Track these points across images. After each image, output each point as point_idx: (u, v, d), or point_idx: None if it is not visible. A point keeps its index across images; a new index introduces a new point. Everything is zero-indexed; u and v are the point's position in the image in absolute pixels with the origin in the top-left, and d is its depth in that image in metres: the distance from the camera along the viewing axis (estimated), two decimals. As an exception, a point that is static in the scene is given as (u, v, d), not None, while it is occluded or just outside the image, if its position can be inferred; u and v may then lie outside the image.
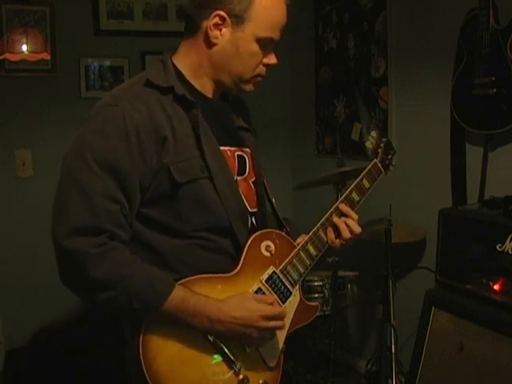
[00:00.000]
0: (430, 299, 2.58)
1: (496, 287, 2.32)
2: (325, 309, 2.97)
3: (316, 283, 2.98)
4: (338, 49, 3.61)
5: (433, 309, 2.55)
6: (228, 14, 1.49)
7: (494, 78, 2.56)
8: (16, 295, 3.34)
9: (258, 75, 1.58)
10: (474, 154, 2.81)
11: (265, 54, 1.55)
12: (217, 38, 1.51)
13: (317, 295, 2.98)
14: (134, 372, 1.43)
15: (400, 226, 2.95)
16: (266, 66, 1.58)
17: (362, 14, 3.40)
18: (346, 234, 1.70)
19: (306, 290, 2.94)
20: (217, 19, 1.49)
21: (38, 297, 3.35)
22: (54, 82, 3.39)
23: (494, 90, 2.56)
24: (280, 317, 1.54)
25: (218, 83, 1.58)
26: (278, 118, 4.04)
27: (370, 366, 3.08)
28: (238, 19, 1.49)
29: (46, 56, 3.35)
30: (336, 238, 1.71)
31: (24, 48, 3.30)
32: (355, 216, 1.73)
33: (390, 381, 2.59)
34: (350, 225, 1.70)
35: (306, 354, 3.21)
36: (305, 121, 3.95)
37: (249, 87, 1.59)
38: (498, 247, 2.31)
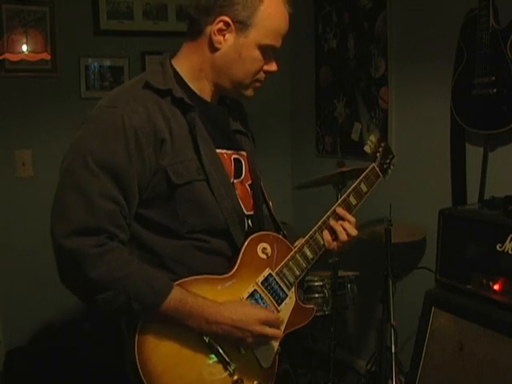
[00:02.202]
0: (430, 299, 2.58)
1: (496, 287, 2.32)
2: (325, 309, 2.97)
3: (316, 283, 2.98)
4: (338, 49, 3.61)
5: (433, 309, 2.55)
6: (232, 20, 1.51)
7: (494, 78, 2.56)
8: (16, 295, 3.34)
9: (257, 80, 1.60)
10: (473, 153, 2.81)
11: (266, 61, 1.58)
12: (220, 43, 1.52)
13: (317, 295, 2.98)
14: (132, 372, 1.43)
15: (400, 226, 2.95)
16: (266, 72, 1.60)
17: (362, 14, 3.40)
18: (343, 237, 1.71)
19: (306, 290, 2.94)
20: (221, 24, 1.51)
21: (38, 297, 3.35)
22: (54, 82, 3.39)
23: (494, 90, 2.56)
24: (276, 324, 1.55)
25: (217, 87, 1.60)
26: (278, 118, 4.04)
27: (370, 365, 3.08)
28: (242, 25, 1.51)
29: (46, 56, 3.35)
30: (333, 240, 1.72)
31: (24, 48, 3.30)
32: (352, 219, 1.74)
33: (389, 381, 2.59)
34: (346, 228, 1.72)
35: (306, 354, 3.21)
36: (305, 121, 3.96)
37: (248, 92, 1.62)
38: (498, 247, 2.31)
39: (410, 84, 3.17)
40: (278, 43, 1.57)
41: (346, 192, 1.80)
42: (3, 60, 3.24)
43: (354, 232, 1.72)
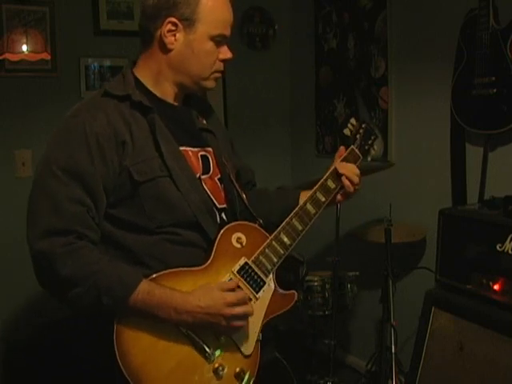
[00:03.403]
0: (430, 299, 2.58)
1: (496, 287, 2.32)
2: (325, 309, 2.97)
3: (316, 283, 2.98)
4: (338, 49, 3.61)
5: (433, 309, 2.55)
6: (179, 19, 1.58)
7: (494, 78, 2.56)
8: (16, 295, 3.34)
9: (216, 71, 1.67)
10: (473, 153, 2.81)
11: (219, 51, 1.64)
12: (172, 43, 1.61)
13: (317, 295, 2.98)
14: (111, 364, 1.47)
15: (400, 226, 2.95)
16: (223, 61, 1.66)
17: (362, 14, 3.40)
18: (355, 178, 1.82)
19: (306, 290, 2.94)
20: (169, 26, 1.59)
21: (38, 297, 3.34)
22: (54, 82, 3.39)
23: (494, 90, 2.56)
24: (243, 301, 1.57)
25: (179, 86, 1.67)
26: (278, 118, 4.04)
27: (370, 365, 3.08)
28: (188, 22, 1.59)
29: (46, 56, 3.35)
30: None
31: (24, 48, 3.30)
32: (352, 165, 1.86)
33: (389, 381, 2.59)
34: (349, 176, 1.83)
35: (306, 354, 3.21)
36: (305, 121, 3.95)
37: (209, 83, 1.68)
38: (498, 247, 2.31)
39: (410, 84, 3.17)
40: (227, 31, 1.64)
41: (323, 176, 1.83)
42: (3, 60, 3.24)
43: (356, 170, 1.84)
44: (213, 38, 1.61)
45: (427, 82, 3.06)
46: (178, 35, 1.60)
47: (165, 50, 1.62)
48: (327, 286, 2.97)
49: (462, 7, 2.74)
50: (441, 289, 2.60)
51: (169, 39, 1.60)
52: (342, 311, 3.10)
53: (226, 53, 1.66)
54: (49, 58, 3.35)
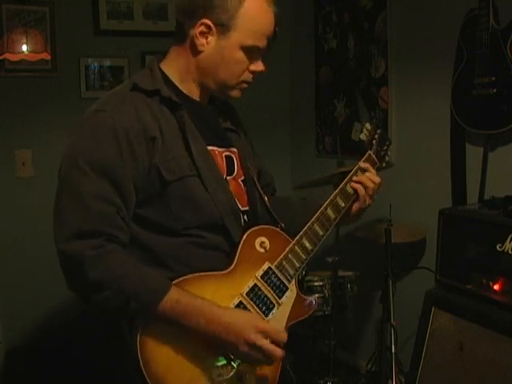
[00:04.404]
0: (430, 299, 2.58)
1: (496, 287, 2.32)
2: (325, 309, 2.97)
3: (316, 283, 2.97)
4: (338, 49, 3.61)
5: (433, 309, 2.55)
6: (214, 23, 1.53)
7: (494, 78, 2.56)
8: (16, 295, 3.34)
9: (244, 82, 1.62)
10: (473, 153, 2.81)
11: (251, 61, 1.60)
12: (203, 45, 1.56)
13: (317, 295, 2.98)
14: (133, 372, 1.44)
15: (400, 226, 2.95)
16: (253, 73, 1.62)
17: (362, 14, 3.40)
18: (370, 184, 1.78)
19: (306, 290, 2.94)
20: (203, 27, 1.54)
21: (38, 297, 3.35)
22: (54, 82, 3.39)
23: (494, 90, 2.56)
24: (275, 338, 1.48)
25: (204, 88, 1.63)
26: (278, 118, 4.04)
27: (370, 365, 3.08)
28: (223, 28, 1.54)
29: (46, 56, 3.35)
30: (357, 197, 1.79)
31: (24, 48, 3.30)
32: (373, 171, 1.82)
33: (389, 381, 2.59)
34: (368, 177, 1.79)
35: (306, 354, 3.21)
36: (305, 121, 3.95)
37: (235, 93, 1.64)
38: (498, 247, 2.31)
39: (410, 84, 3.17)
40: (261, 43, 1.58)
41: (343, 181, 1.80)
42: (3, 60, 3.24)
43: (377, 178, 1.80)
44: (244, 48, 1.56)
45: (427, 82, 3.06)
46: (210, 38, 1.55)
47: (195, 50, 1.57)
48: (327, 286, 2.97)
49: (462, 7, 2.74)
50: (441, 289, 2.60)
51: (200, 41, 1.55)
52: (342, 311, 3.10)
53: (258, 65, 1.60)
54: (49, 58, 3.35)
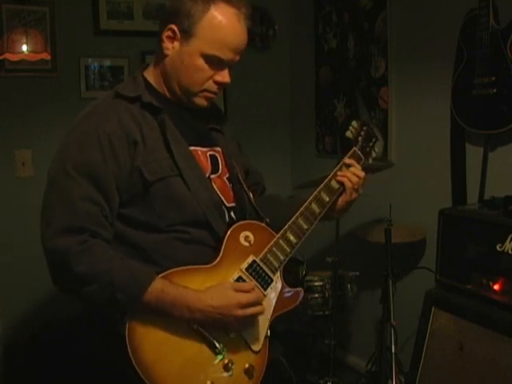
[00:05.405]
0: (430, 299, 2.58)
1: (496, 287, 2.32)
2: (325, 309, 2.97)
3: (316, 283, 2.98)
4: (338, 49, 3.61)
5: (433, 309, 2.55)
6: (178, 29, 1.61)
7: (494, 78, 2.56)
8: (16, 295, 3.34)
9: (207, 91, 1.67)
10: (473, 153, 2.81)
11: (215, 71, 1.64)
12: (168, 49, 1.65)
13: (317, 295, 2.98)
14: (129, 369, 1.48)
15: (400, 226, 2.95)
16: (217, 83, 1.66)
17: (362, 14, 3.40)
18: (354, 179, 1.81)
19: (306, 290, 2.94)
20: (169, 32, 1.63)
21: (38, 296, 3.35)
22: (54, 82, 3.39)
23: (494, 90, 2.56)
24: (257, 302, 1.60)
25: (172, 92, 1.69)
26: (278, 118, 4.04)
27: (370, 365, 3.08)
28: (185, 34, 1.61)
29: (46, 56, 3.35)
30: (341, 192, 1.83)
31: (24, 48, 3.30)
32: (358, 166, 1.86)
33: (389, 381, 2.59)
34: (352, 172, 1.83)
35: (306, 354, 3.21)
36: (305, 121, 3.96)
37: (199, 100, 1.68)
38: (498, 247, 2.31)
39: (410, 84, 3.17)
40: (224, 55, 1.62)
41: (327, 176, 1.83)
42: (3, 60, 3.24)
43: (361, 173, 1.83)
44: (205, 56, 1.61)
45: (427, 81, 3.06)
46: (175, 43, 1.63)
47: (163, 54, 1.66)
48: (327, 286, 2.97)
49: (462, 7, 2.74)
50: (441, 289, 2.60)
51: (166, 45, 1.64)
52: (342, 311, 3.11)
53: (223, 76, 1.65)
54: (49, 58, 3.35)
